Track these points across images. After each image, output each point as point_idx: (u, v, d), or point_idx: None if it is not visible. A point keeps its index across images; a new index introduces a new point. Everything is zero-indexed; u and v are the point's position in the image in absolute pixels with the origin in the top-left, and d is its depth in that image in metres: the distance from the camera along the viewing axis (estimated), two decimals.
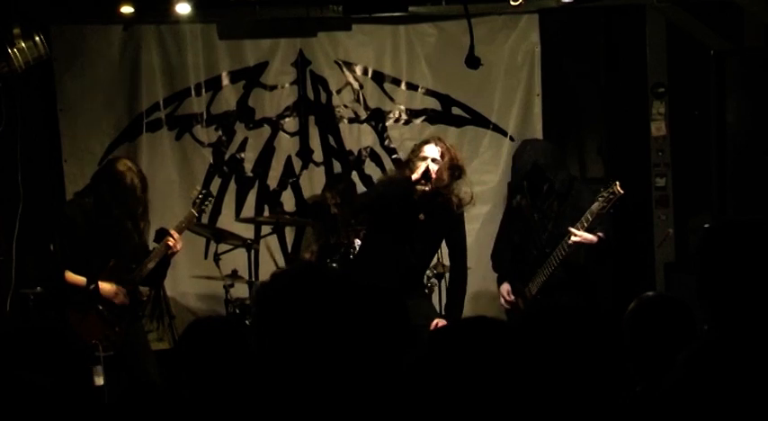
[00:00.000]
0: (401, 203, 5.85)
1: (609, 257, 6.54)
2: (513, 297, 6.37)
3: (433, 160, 5.81)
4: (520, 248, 6.42)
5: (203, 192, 6.40)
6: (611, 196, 5.88)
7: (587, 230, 5.97)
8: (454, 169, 5.87)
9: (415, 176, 5.79)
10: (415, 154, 5.92)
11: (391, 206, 5.87)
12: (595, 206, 5.93)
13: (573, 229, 5.99)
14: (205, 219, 7.51)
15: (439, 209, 5.88)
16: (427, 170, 5.77)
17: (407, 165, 5.95)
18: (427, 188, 5.80)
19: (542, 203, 6.28)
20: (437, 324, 5.77)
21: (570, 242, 5.99)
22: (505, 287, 6.44)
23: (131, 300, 5.98)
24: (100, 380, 5.47)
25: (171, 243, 6.01)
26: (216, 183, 7.69)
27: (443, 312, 6.10)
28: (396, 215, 5.88)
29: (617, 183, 5.89)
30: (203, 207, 6.39)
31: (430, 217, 5.90)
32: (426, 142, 5.95)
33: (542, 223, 6.28)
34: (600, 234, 6.05)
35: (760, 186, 6.60)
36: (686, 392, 2.67)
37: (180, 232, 6.10)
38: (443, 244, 6.20)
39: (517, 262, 6.41)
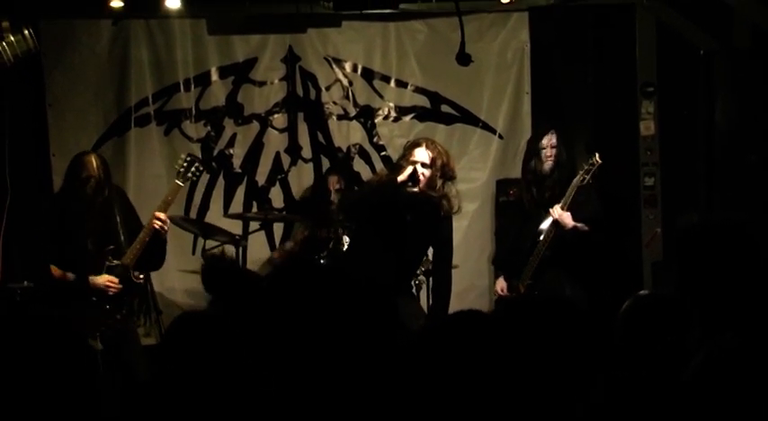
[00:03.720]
0: (387, 205, 5.84)
1: (599, 235, 6.56)
2: (507, 293, 6.41)
3: (423, 164, 5.75)
4: (516, 242, 6.48)
5: (188, 158, 6.24)
6: (589, 167, 5.98)
7: (569, 206, 6.09)
8: (446, 174, 5.85)
9: (401, 178, 5.76)
10: (405, 157, 5.88)
11: (377, 208, 5.85)
12: (576, 179, 6.03)
13: (552, 209, 6.07)
14: (191, 202, 7.62)
15: (427, 212, 5.83)
16: (414, 173, 5.73)
17: (398, 168, 5.92)
18: (416, 189, 5.78)
19: (542, 187, 6.33)
20: None
21: (554, 218, 6.07)
22: (500, 283, 6.52)
23: (127, 283, 5.95)
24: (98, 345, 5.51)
25: (157, 226, 5.98)
26: (204, 179, 7.66)
27: (429, 315, 6.05)
28: (383, 216, 5.86)
29: (596, 153, 5.98)
30: (189, 175, 6.21)
31: (418, 219, 5.86)
32: (417, 145, 5.87)
33: (538, 212, 6.34)
34: (579, 225, 6.12)
35: (747, 185, 6.62)
36: (703, 392, 2.70)
37: (166, 208, 6.04)
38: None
39: (513, 255, 6.46)
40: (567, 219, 6.14)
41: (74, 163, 6.00)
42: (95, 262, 5.92)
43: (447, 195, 5.84)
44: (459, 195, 6.03)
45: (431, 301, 6.22)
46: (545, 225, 6.27)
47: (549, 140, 6.40)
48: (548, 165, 6.39)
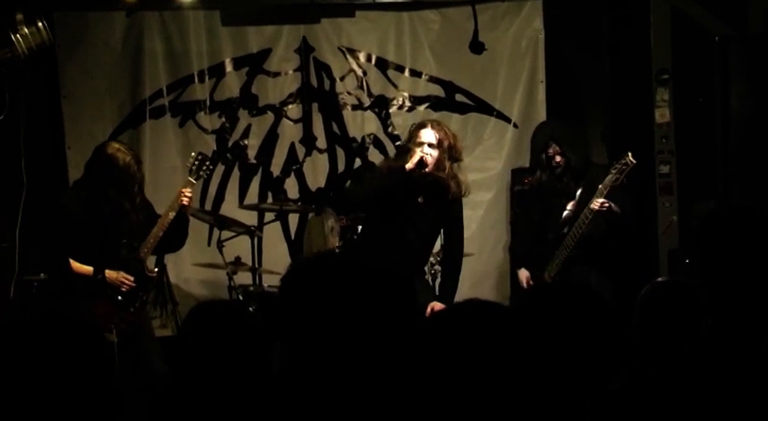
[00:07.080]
0: (398, 192, 5.84)
1: (627, 234, 6.57)
2: (532, 283, 6.40)
3: (430, 145, 5.78)
4: (537, 232, 6.46)
5: (199, 156, 6.25)
6: (623, 167, 5.98)
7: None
8: (453, 155, 5.86)
9: (408, 166, 5.76)
10: (412, 139, 5.90)
11: (388, 195, 5.86)
12: (608, 178, 6.02)
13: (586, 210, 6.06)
14: (206, 193, 7.65)
15: (437, 193, 5.86)
16: (421, 159, 5.75)
17: (406, 151, 5.94)
18: (427, 170, 5.79)
19: (558, 182, 6.32)
20: (432, 307, 5.76)
21: (591, 208, 6.02)
22: (524, 273, 6.47)
23: (140, 277, 5.96)
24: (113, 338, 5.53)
25: (186, 201, 6.00)
26: (219, 170, 7.67)
27: (438, 293, 6.10)
28: (394, 200, 5.87)
29: (629, 153, 5.98)
30: (201, 172, 6.24)
31: (429, 200, 5.88)
32: (423, 126, 5.91)
33: (559, 204, 6.32)
34: (615, 208, 6.11)
35: (764, 172, 6.59)
36: (695, 382, 2.68)
37: (178, 207, 6.04)
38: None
39: (535, 246, 6.45)
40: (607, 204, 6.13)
41: (106, 153, 5.92)
42: (112, 255, 5.92)
43: (456, 176, 5.86)
44: (469, 183, 6.04)
45: (441, 280, 6.23)
46: (567, 212, 6.27)
47: (554, 150, 6.36)
48: (559, 170, 6.37)
